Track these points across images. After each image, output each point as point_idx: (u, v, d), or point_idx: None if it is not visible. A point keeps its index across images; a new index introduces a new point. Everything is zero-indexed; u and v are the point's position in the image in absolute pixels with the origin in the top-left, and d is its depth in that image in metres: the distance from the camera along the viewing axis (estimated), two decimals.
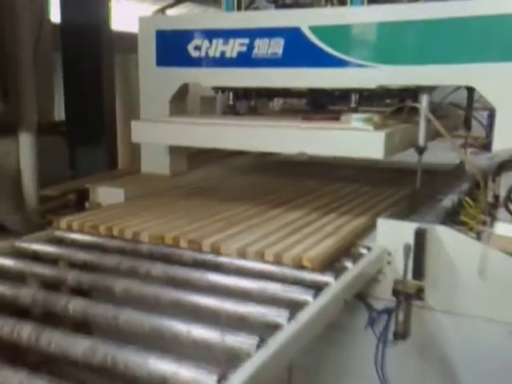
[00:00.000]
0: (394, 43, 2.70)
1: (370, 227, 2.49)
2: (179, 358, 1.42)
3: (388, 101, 3.56)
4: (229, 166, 4.01)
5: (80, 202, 3.11)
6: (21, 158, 3.37)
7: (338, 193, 3.23)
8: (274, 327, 1.61)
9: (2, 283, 1.99)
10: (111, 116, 4.22)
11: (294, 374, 2.44)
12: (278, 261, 2.12)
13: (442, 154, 3.40)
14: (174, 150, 3.45)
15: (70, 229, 2.57)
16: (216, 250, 2.24)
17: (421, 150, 2.76)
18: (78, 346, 1.50)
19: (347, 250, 2.31)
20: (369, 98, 3.32)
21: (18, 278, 2.16)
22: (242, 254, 2.19)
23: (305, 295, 1.85)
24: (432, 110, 2.77)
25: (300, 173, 3.82)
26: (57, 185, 3.41)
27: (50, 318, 1.91)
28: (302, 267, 2.07)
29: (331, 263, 2.14)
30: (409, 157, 2.90)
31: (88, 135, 4.08)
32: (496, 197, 2.45)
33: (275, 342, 1.49)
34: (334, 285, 1.93)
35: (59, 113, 4.32)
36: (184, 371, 1.36)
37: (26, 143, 3.36)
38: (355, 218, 2.64)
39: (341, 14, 2.85)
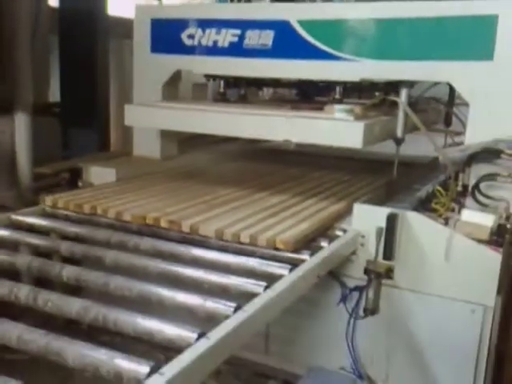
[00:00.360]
0: (377, 39, 2.84)
1: (348, 212, 2.63)
2: (164, 318, 1.57)
3: (377, 93, 3.69)
4: (218, 151, 4.14)
5: (73, 180, 3.22)
6: (16, 137, 3.49)
7: (320, 180, 3.34)
8: (251, 296, 1.76)
9: None
10: (105, 99, 4.32)
11: (270, 344, 2.61)
12: (253, 242, 2.21)
13: (423, 147, 3.54)
14: (166, 135, 3.58)
15: (55, 207, 2.63)
16: (195, 231, 2.33)
17: (398, 141, 2.92)
18: (73, 305, 1.64)
19: (325, 232, 2.46)
20: (356, 90, 3.45)
21: (14, 247, 2.28)
22: (220, 236, 2.28)
23: (281, 270, 2.00)
24: (411, 103, 2.92)
25: (286, 161, 3.93)
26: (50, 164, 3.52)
27: (42, 285, 2.04)
28: (275, 249, 2.18)
29: (306, 245, 2.26)
30: (392, 149, 3.03)
31: (82, 117, 4.18)
32: (465, 186, 2.63)
33: (251, 306, 1.64)
34: (308, 261, 2.09)
35: (54, 94, 4.40)
36: (168, 329, 1.52)
37: (21, 123, 3.47)
38: (333, 204, 2.77)
39: (328, 9, 2.98)
